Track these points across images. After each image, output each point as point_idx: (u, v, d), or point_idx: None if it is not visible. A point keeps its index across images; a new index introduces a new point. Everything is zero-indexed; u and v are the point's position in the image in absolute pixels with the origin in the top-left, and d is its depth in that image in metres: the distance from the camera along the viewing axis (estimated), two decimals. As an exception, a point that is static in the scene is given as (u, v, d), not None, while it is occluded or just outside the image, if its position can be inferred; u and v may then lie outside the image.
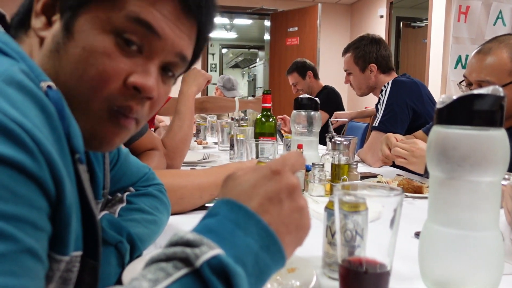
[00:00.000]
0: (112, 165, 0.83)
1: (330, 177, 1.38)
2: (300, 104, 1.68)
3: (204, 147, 2.71)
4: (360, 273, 0.64)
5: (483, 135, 0.64)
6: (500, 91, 0.64)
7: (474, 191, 0.65)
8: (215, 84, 4.72)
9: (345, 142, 1.35)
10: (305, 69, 3.86)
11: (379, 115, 2.17)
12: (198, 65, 5.56)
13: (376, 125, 2.14)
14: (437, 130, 0.68)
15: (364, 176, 1.62)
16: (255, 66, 10.71)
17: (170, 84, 0.66)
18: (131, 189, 0.87)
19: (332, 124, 2.87)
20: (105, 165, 0.74)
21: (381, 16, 6.24)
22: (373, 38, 2.45)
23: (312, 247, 0.86)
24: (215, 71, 11.39)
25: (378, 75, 2.42)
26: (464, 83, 1.60)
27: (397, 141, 1.61)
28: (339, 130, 3.08)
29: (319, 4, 6.08)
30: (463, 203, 0.66)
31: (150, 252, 0.81)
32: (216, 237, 0.45)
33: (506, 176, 0.81)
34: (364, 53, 2.41)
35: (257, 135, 1.65)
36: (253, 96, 2.73)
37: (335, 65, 7.14)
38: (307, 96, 1.69)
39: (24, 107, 0.43)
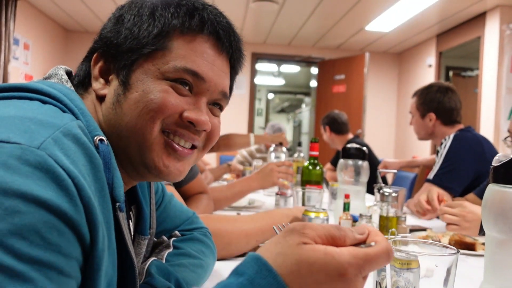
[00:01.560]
0: (157, 206, 0.87)
1: (378, 229, 1.35)
2: (347, 153, 1.68)
3: (249, 192, 2.72)
4: (412, 334, 0.62)
5: (544, 196, 0.62)
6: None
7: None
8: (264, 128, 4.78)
9: (393, 194, 1.33)
10: (324, 123, 3.87)
11: (436, 167, 2.11)
12: (244, 110, 5.62)
13: (431, 177, 2.08)
14: (494, 189, 0.67)
15: (413, 229, 1.58)
16: (301, 111, 10.78)
17: (219, 114, 0.76)
18: (177, 233, 0.89)
19: (380, 173, 2.82)
20: (151, 205, 0.79)
21: (430, 66, 6.20)
22: (440, 87, 2.40)
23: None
24: (261, 115, 11.56)
25: (438, 125, 2.37)
26: (509, 139, 1.55)
27: (439, 199, 1.53)
28: (385, 179, 3.01)
29: (366, 53, 6.14)
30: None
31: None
32: None
33: None
34: (426, 100, 2.37)
35: (304, 183, 1.65)
36: (299, 144, 2.73)
37: (382, 112, 7.10)
38: (355, 145, 1.69)
39: (75, 156, 0.49)
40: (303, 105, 11.76)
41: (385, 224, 1.32)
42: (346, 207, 1.41)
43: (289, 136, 12.93)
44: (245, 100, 6.98)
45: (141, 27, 0.66)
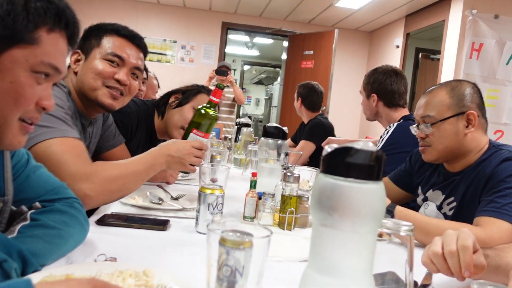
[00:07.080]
0: (17, 174, 0.88)
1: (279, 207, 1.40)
2: (267, 132, 1.71)
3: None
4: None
5: (352, 187, 0.65)
6: (371, 146, 0.66)
7: (343, 240, 0.67)
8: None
9: (295, 175, 1.37)
10: (298, 93, 3.74)
11: None
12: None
13: None
14: (319, 177, 0.71)
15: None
16: (272, 85, 10.77)
17: None
18: (37, 205, 0.89)
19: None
20: (5, 173, 0.82)
21: (397, 46, 6.24)
22: (386, 69, 2.45)
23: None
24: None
25: (381, 107, 2.45)
26: (414, 126, 1.63)
27: None
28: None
29: (336, 29, 6.13)
30: (331, 251, 0.68)
31: (60, 265, 0.85)
32: None
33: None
34: (370, 81, 2.45)
35: (192, 126, 1.53)
36: (249, 117, 2.72)
37: (350, 91, 7.15)
38: (274, 124, 1.72)
39: None
40: (279, 78, 11.74)
41: (285, 203, 1.37)
42: (253, 185, 1.45)
43: (261, 109, 12.99)
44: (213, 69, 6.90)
45: (16, 17, 0.72)
